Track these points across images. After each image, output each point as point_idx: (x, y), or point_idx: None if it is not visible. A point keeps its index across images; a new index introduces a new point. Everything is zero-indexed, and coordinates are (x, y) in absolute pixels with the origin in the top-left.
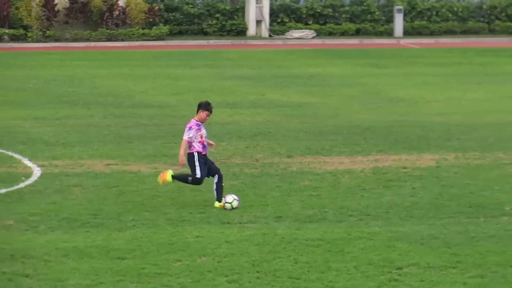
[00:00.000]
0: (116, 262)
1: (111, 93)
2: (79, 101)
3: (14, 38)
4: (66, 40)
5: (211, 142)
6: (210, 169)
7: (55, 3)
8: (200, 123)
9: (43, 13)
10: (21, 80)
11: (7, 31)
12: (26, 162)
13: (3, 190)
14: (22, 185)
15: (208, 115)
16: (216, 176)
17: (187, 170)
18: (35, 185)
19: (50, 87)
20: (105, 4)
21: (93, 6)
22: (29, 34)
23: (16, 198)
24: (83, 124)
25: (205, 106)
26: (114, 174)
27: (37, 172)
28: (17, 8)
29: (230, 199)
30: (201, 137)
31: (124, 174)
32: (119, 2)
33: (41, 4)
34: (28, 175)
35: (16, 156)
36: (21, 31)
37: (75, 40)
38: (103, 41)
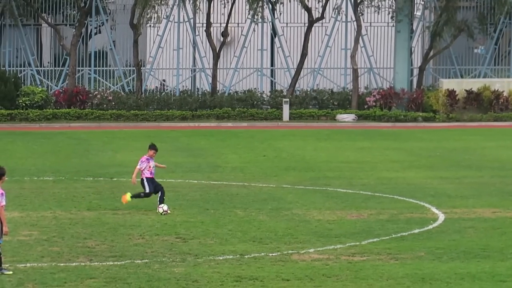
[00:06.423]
0: (499, 284)
1: (497, 159)
2: (472, 165)
3: (425, 119)
4: (464, 120)
5: (162, 165)
6: (156, 187)
7: (456, 93)
8: (149, 158)
9: (447, 101)
10: (430, 150)
11: (420, 114)
12: (434, 209)
13: (416, 230)
14: (430, 227)
15: (154, 153)
16: (159, 191)
17: (139, 190)
18: (440, 227)
19: (452, 155)
20: (493, 94)
21: (484, 96)
22: (437, 116)
23: (426, 236)
24: (476, 182)
25: (152, 147)
26: (499, 219)
27: (441, 217)
28: (428, 97)
29: (165, 207)
30: (149, 167)
31: (506, 219)
32: (504, 93)
33: (446, 95)
34: (435, 219)
35: (426, 205)
36: (431, 114)
37: (470, 120)
38: (491, 121)
